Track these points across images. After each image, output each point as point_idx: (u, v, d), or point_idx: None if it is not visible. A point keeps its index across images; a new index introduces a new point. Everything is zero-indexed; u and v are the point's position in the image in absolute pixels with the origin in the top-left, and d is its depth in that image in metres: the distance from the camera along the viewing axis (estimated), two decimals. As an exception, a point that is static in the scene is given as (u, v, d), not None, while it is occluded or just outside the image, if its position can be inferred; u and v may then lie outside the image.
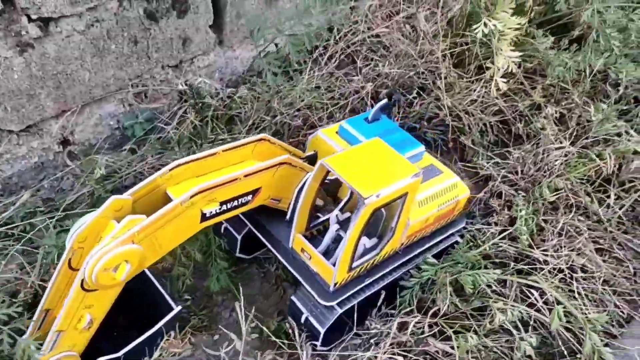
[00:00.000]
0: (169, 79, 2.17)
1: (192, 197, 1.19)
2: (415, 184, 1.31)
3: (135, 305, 1.39)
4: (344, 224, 1.41)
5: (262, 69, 2.16)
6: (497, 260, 1.58)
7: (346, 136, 1.52)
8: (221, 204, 1.26)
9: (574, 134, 1.93)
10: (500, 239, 1.60)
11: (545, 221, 1.68)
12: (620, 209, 1.76)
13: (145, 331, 1.32)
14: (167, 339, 1.37)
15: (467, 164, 2.00)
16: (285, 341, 1.41)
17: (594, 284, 1.55)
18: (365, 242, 1.38)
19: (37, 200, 1.90)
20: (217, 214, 1.27)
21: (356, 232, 1.25)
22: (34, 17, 1.70)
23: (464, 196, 1.54)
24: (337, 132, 1.55)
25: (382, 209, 1.33)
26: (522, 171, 1.85)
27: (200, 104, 1.99)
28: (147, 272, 1.43)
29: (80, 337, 1.23)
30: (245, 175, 1.27)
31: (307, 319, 1.38)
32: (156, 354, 1.31)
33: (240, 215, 1.48)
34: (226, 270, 1.57)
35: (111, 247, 1.11)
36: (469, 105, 1.98)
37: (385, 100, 1.55)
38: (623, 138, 1.85)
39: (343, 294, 1.36)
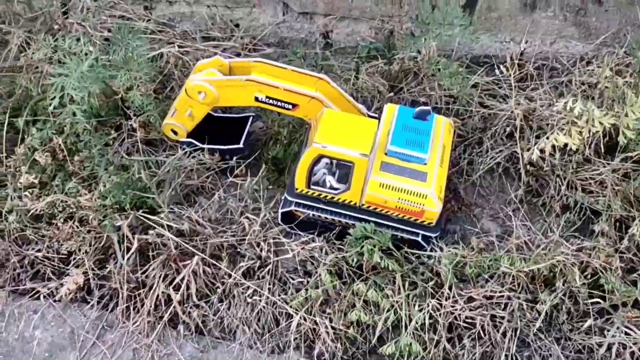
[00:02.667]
0: (411, 29, 2.73)
1: (247, 80, 1.95)
2: (361, 161, 1.76)
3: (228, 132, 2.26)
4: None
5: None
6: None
7: (393, 115, 1.97)
8: (268, 97, 1.98)
9: None
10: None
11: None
12: None
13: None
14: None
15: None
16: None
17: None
18: (331, 181, 1.91)
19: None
20: (265, 102, 2.00)
21: (304, 161, 1.82)
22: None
23: (431, 209, 1.84)
24: (394, 110, 2.00)
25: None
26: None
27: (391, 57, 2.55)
28: (249, 121, 2.27)
29: (187, 121, 2.17)
30: (284, 89, 1.93)
31: (282, 198, 2.04)
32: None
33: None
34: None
35: (197, 78, 2.00)
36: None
37: (428, 107, 1.91)
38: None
39: (300, 199, 1.95)
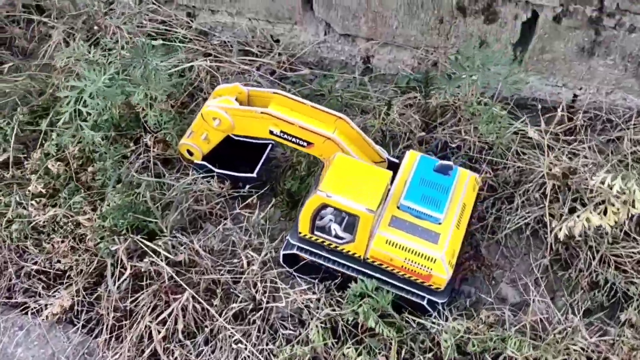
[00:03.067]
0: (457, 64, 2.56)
1: (262, 113, 1.84)
2: (366, 215, 1.63)
3: (246, 157, 2.18)
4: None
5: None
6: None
7: (413, 165, 1.82)
8: (282, 131, 1.87)
9: None
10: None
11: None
12: None
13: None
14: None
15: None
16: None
17: None
18: (337, 229, 1.78)
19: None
20: (279, 136, 1.89)
21: (308, 207, 1.70)
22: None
23: (440, 275, 1.69)
24: (416, 158, 1.85)
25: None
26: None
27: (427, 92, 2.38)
28: (268, 148, 2.17)
29: (202, 143, 2.10)
30: (299, 127, 1.82)
31: (285, 238, 1.93)
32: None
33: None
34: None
35: (213, 104, 1.91)
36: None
37: (450, 163, 1.75)
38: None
39: (303, 243, 1.84)
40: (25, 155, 2.27)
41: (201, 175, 2.11)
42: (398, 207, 1.75)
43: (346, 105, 2.50)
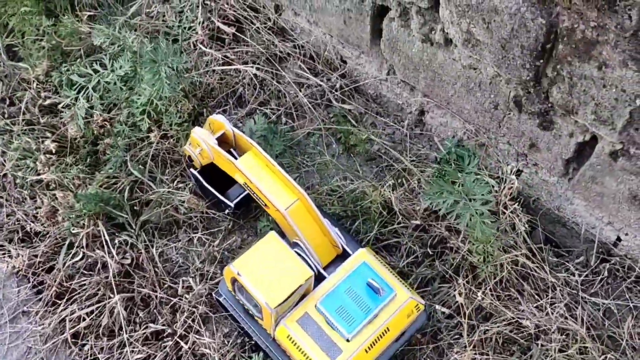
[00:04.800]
0: (503, 154, 2.33)
1: (231, 161, 1.84)
2: (266, 310, 1.61)
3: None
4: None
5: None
6: None
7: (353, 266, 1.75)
8: (245, 184, 1.86)
9: None
10: None
11: None
12: None
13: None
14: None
15: None
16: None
17: None
18: (247, 304, 1.78)
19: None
20: (245, 188, 1.89)
21: (226, 274, 1.71)
22: (445, 30, 2.19)
23: None
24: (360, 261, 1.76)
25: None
26: None
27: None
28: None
29: (198, 156, 2.15)
30: (257, 189, 1.79)
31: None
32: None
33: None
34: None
35: (199, 132, 1.94)
36: None
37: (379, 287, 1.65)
38: None
39: (228, 296, 1.86)
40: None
41: (189, 184, 2.17)
42: (315, 306, 1.70)
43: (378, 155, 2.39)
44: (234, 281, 1.72)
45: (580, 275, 2.03)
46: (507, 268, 1.97)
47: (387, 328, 1.70)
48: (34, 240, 2.11)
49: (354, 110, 2.59)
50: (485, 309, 1.96)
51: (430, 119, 2.54)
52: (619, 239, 2.18)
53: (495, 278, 1.97)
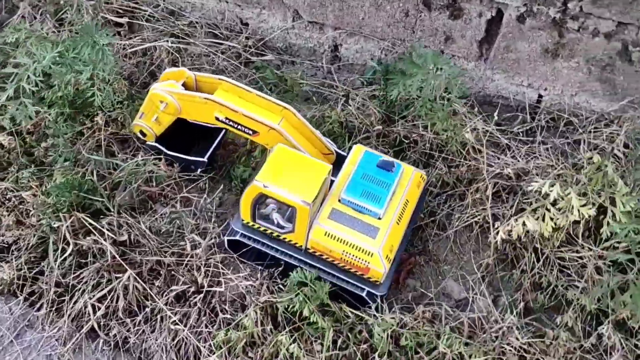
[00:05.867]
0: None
1: (205, 99, 1.84)
2: (302, 207, 1.63)
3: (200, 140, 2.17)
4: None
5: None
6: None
7: (357, 159, 1.83)
8: (227, 118, 1.86)
9: None
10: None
11: None
12: None
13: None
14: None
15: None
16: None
17: None
18: (279, 218, 1.78)
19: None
20: (225, 123, 1.89)
21: (247, 197, 1.70)
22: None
23: (377, 269, 1.70)
24: (360, 153, 1.85)
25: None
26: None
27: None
28: (220, 135, 2.17)
29: (154, 125, 2.08)
30: (244, 115, 1.81)
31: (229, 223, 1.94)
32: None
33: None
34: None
35: (159, 87, 1.90)
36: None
37: (393, 160, 1.76)
38: None
39: (246, 230, 1.84)
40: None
41: (152, 156, 2.10)
42: (339, 200, 1.75)
43: (312, 94, 2.49)
44: (257, 202, 1.71)
45: (524, 132, 2.31)
46: (469, 140, 2.17)
47: (407, 200, 1.81)
48: (11, 253, 1.92)
49: (274, 61, 2.67)
50: (465, 177, 2.14)
51: (345, 51, 2.69)
52: (540, 96, 2.50)
53: (465, 149, 2.17)
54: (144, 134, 2.11)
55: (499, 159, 2.15)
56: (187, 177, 2.12)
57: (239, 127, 1.87)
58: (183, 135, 2.13)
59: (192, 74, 1.94)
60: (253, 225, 1.81)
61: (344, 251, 1.71)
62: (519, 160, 2.12)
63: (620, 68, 2.27)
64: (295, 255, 1.82)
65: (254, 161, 2.18)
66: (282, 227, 1.78)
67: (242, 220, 1.82)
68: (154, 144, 2.10)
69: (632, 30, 2.17)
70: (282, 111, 1.85)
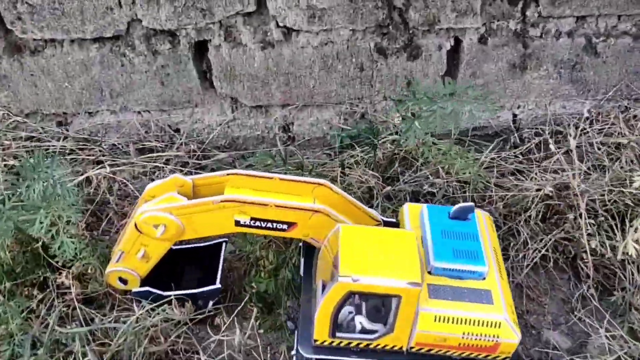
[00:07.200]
0: (386, 109, 2.33)
1: (222, 201, 1.40)
2: (411, 291, 1.24)
3: (201, 268, 1.70)
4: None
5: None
6: None
7: (422, 219, 1.48)
8: (253, 219, 1.43)
9: None
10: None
11: None
12: None
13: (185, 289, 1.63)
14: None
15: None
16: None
17: None
18: (364, 322, 1.36)
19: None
20: (250, 226, 1.45)
21: (327, 304, 1.27)
22: (280, 24, 2.08)
23: (509, 341, 1.33)
24: (420, 211, 1.51)
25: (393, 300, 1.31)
26: None
27: (377, 143, 2.10)
28: (223, 249, 1.71)
29: (140, 265, 1.58)
30: (277, 206, 1.40)
31: (292, 356, 1.46)
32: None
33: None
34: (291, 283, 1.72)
35: (153, 209, 1.43)
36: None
37: (471, 204, 1.44)
38: None
39: (324, 354, 1.39)
40: None
41: (146, 304, 1.58)
42: (429, 272, 1.39)
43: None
44: (340, 307, 1.29)
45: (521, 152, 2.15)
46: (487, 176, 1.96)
47: (494, 248, 1.50)
48: None
49: (227, 158, 2.29)
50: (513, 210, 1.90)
51: (298, 128, 2.40)
52: (515, 116, 2.38)
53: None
54: (124, 281, 1.59)
55: (526, 184, 1.94)
56: (192, 317, 1.62)
57: (269, 225, 1.45)
58: (166, 270, 1.65)
59: (189, 179, 1.50)
60: (332, 342, 1.37)
61: (464, 333, 1.32)
62: (549, 179, 1.92)
63: (588, 63, 2.23)
64: (396, 361, 1.39)
65: (266, 271, 1.74)
66: (371, 332, 1.36)
67: (315, 341, 1.36)
68: (142, 289, 1.59)
69: (592, 21, 2.15)
70: (315, 189, 1.47)
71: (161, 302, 1.58)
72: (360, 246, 1.30)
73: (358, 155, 2.19)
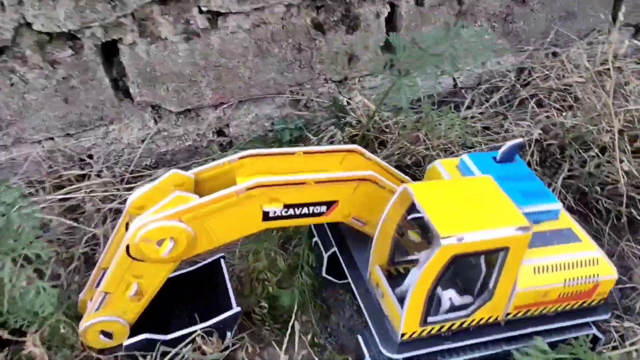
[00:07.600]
0: (330, 93, 2.11)
1: (249, 189, 1.07)
2: (521, 239, 1.02)
3: (198, 295, 1.34)
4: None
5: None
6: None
7: (466, 172, 1.28)
8: (286, 206, 1.12)
9: None
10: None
11: None
12: None
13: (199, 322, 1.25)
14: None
15: None
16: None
17: None
18: (454, 297, 1.11)
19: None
20: (282, 217, 1.14)
21: (426, 278, 1.01)
22: (203, 9, 1.77)
23: (607, 277, 1.17)
24: (457, 166, 1.31)
25: (482, 263, 1.08)
26: None
27: (344, 123, 1.88)
28: (223, 266, 1.37)
29: (130, 306, 1.18)
30: (317, 182, 1.11)
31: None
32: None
33: (329, 231, 1.34)
34: (310, 288, 1.41)
35: (155, 218, 1.05)
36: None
37: (520, 140, 1.27)
38: None
39: (413, 349, 1.11)
40: None
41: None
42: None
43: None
44: (433, 294, 1.03)
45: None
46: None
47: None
48: None
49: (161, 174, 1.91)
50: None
51: (236, 129, 2.09)
52: (454, 80, 2.31)
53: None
54: (109, 335, 1.18)
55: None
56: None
57: (304, 210, 1.14)
58: (159, 306, 1.27)
59: (190, 174, 1.14)
60: (422, 332, 1.10)
61: (566, 280, 1.14)
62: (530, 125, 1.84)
63: (518, 13, 2.22)
64: (492, 338, 1.16)
65: (272, 282, 1.42)
66: (465, 307, 1.12)
67: (402, 336, 1.09)
68: (137, 339, 1.19)
69: (518, -29, 2.14)
70: (345, 158, 1.20)
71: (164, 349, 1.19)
72: (444, 203, 1.05)
73: (316, 143, 1.94)
